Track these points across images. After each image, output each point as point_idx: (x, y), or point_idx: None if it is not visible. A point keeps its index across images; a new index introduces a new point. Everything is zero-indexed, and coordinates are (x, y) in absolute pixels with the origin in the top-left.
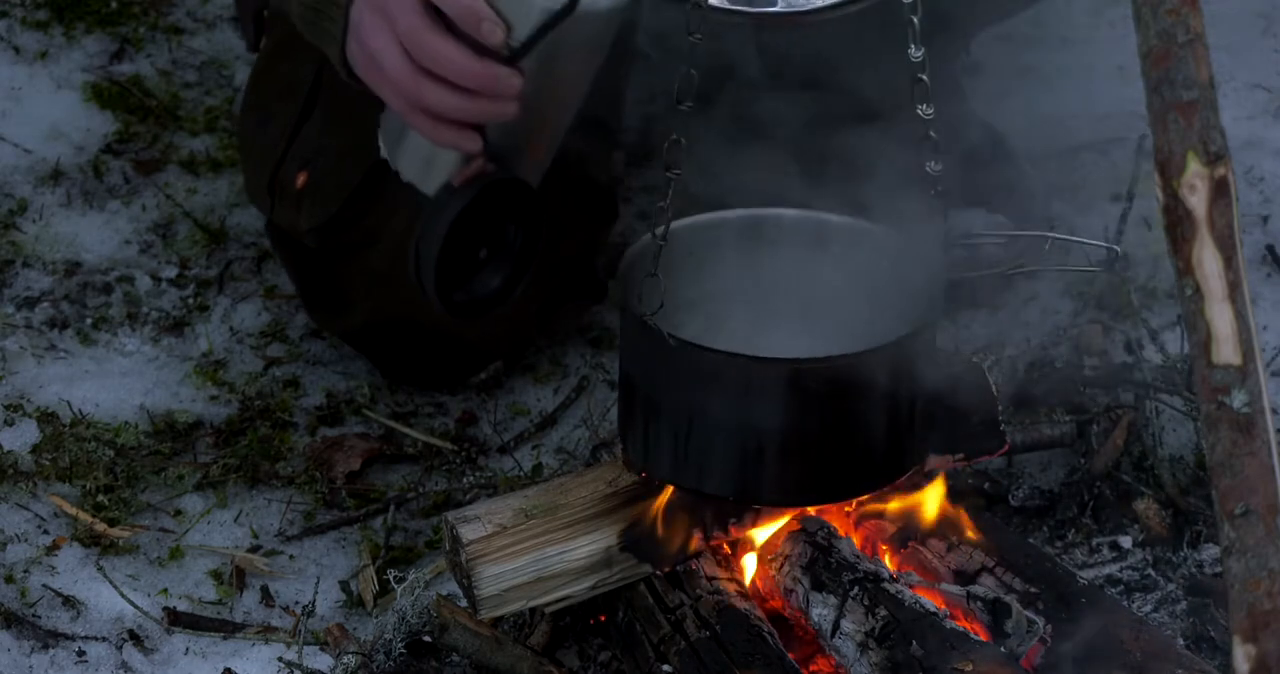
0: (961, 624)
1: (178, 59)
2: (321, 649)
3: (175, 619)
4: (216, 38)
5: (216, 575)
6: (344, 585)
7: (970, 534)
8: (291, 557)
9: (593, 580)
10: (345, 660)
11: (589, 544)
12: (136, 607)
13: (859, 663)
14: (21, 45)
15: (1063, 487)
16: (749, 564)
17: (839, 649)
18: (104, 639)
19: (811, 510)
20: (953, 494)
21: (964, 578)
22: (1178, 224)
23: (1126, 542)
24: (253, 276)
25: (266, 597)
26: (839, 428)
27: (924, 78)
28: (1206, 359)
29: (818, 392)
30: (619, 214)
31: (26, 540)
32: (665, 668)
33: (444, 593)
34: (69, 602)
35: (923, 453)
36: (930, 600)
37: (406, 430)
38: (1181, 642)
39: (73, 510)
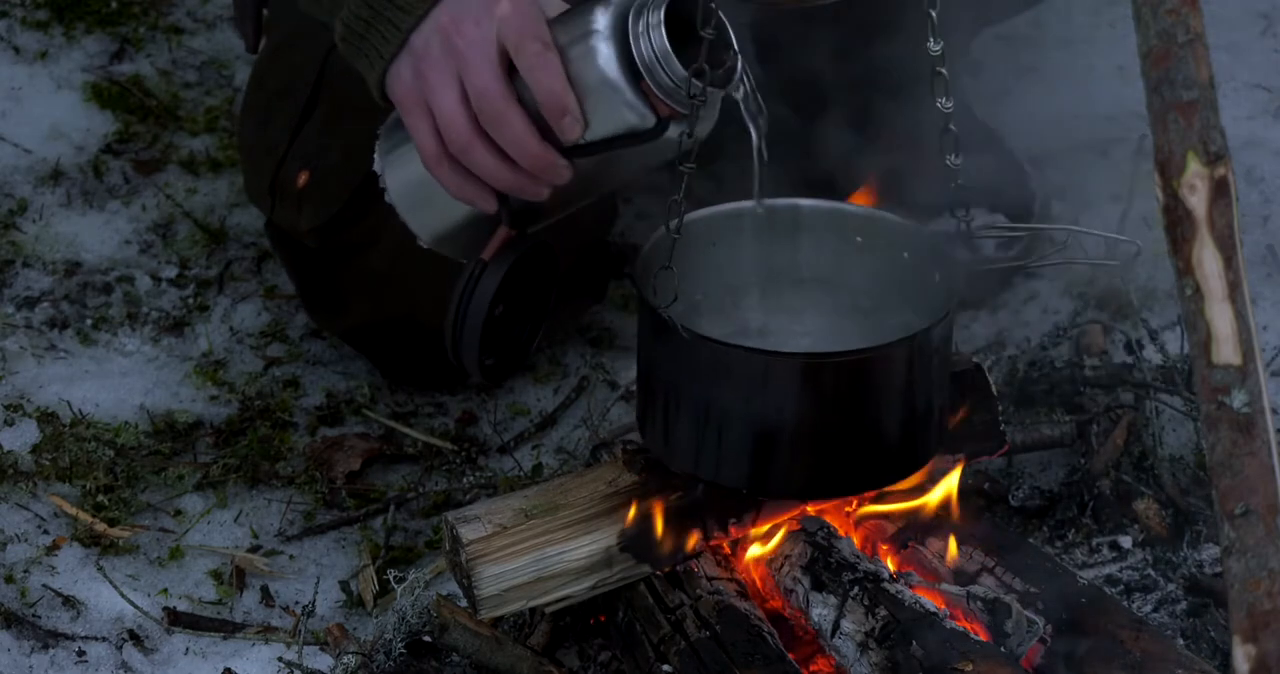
0: (961, 624)
1: (178, 59)
2: (321, 649)
3: (175, 619)
4: (216, 38)
5: (216, 575)
6: (344, 585)
7: (969, 533)
8: (291, 557)
9: (593, 580)
10: (345, 660)
11: (589, 544)
12: (136, 607)
13: (859, 663)
14: (21, 45)
15: (1063, 487)
16: (749, 564)
17: (839, 649)
18: (104, 639)
19: (822, 506)
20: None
21: (964, 578)
22: (1178, 224)
23: (1126, 542)
24: (253, 276)
25: (266, 597)
26: (856, 421)
27: (943, 71)
28: (1206, 359)
29: (833, 386)
30: (619, 213)
31: (26, 540)
32: (665, 668)
33: (444, 593)
34: (69, 602)
35: (938, 446)
36: (930, 600)
37: (406, 430)
38: (1181, 642)
39: (73, 510)
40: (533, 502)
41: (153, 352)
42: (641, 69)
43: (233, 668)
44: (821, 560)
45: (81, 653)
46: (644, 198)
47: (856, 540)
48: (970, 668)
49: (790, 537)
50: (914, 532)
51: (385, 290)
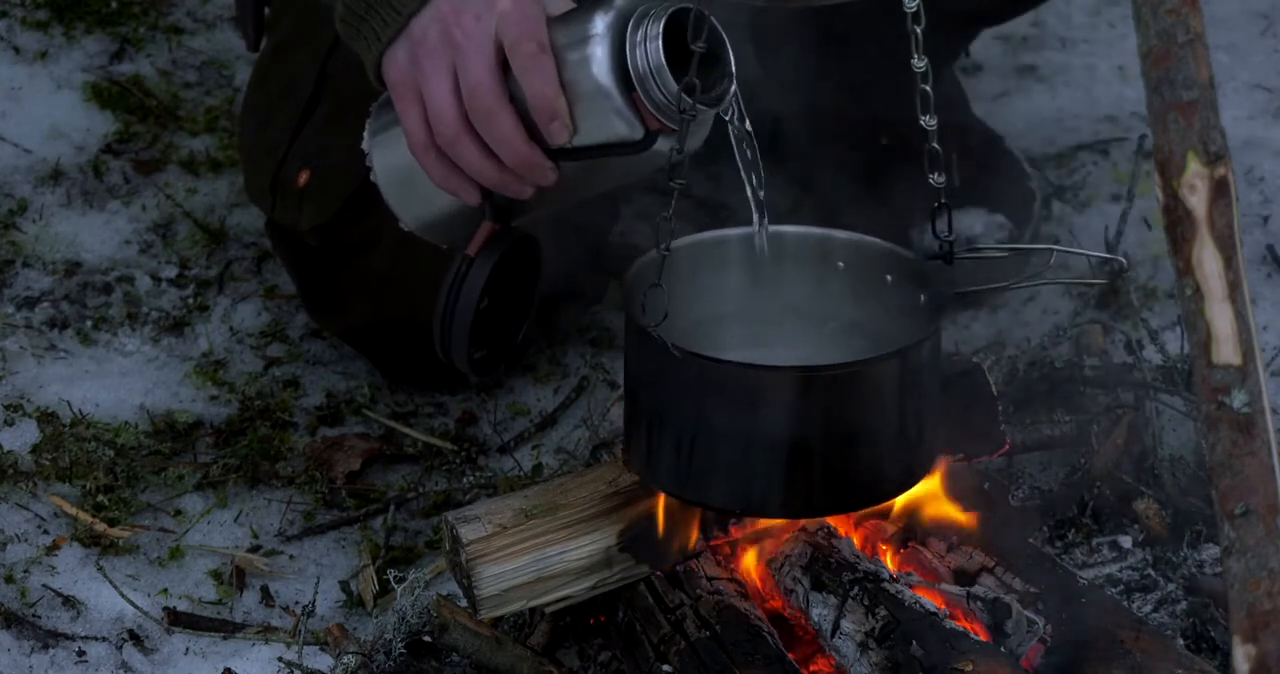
0: (961, 624)
1: (178, 59)
2: (321, 649)
3: (175, 619)
4: (216, 38)
5: (216, 575)
6: (344, 585)
7: (970, 533)
8: (291, 557)
9: (593, 580)
10: (345, 660)
11: (589, 544)
12: (136, 607)
13: (859, 663)
14: (21, 45)
15: (1063, 487)
16: (749, 564)
17: (839, 649)
18: (104, 639)
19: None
20: (953, 494)
21: (964, 578)
22: (1178, 224)
23: (1126, 542)
24: (253, 276)
25: (266, 597)
26: (849, 437)
27: (927, 88)
28: (1206, 359)
29: (826, 400)
30: (619, 214)
31: (26, 540)
32: (665, 668)
33: (444, 593)
34: (69, 602)
35: (931, 462)
36: (930, 600)
37: (406, 430)
38: (1181, 642)
39: (73, 510)
40: (533, 502)
41: (153, 352)
42: (635, 80)
43: (233, 668)
44: (821, 560)
45: (81, 653)
46: (644, 198)
47: (856, 540)
48: (970, 668)
49: (790, 537)
50: (914, 532)
51: (386, 290)
